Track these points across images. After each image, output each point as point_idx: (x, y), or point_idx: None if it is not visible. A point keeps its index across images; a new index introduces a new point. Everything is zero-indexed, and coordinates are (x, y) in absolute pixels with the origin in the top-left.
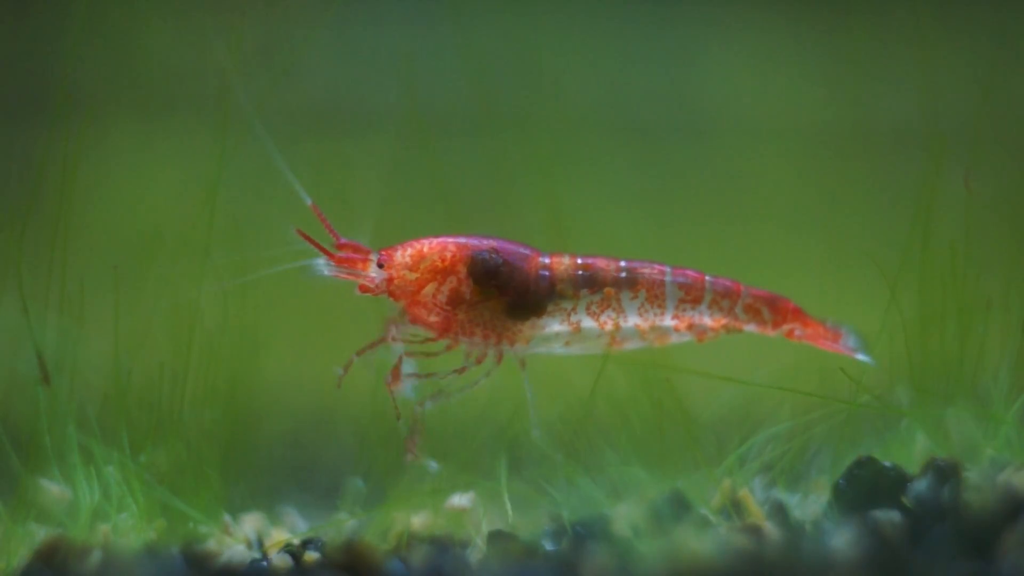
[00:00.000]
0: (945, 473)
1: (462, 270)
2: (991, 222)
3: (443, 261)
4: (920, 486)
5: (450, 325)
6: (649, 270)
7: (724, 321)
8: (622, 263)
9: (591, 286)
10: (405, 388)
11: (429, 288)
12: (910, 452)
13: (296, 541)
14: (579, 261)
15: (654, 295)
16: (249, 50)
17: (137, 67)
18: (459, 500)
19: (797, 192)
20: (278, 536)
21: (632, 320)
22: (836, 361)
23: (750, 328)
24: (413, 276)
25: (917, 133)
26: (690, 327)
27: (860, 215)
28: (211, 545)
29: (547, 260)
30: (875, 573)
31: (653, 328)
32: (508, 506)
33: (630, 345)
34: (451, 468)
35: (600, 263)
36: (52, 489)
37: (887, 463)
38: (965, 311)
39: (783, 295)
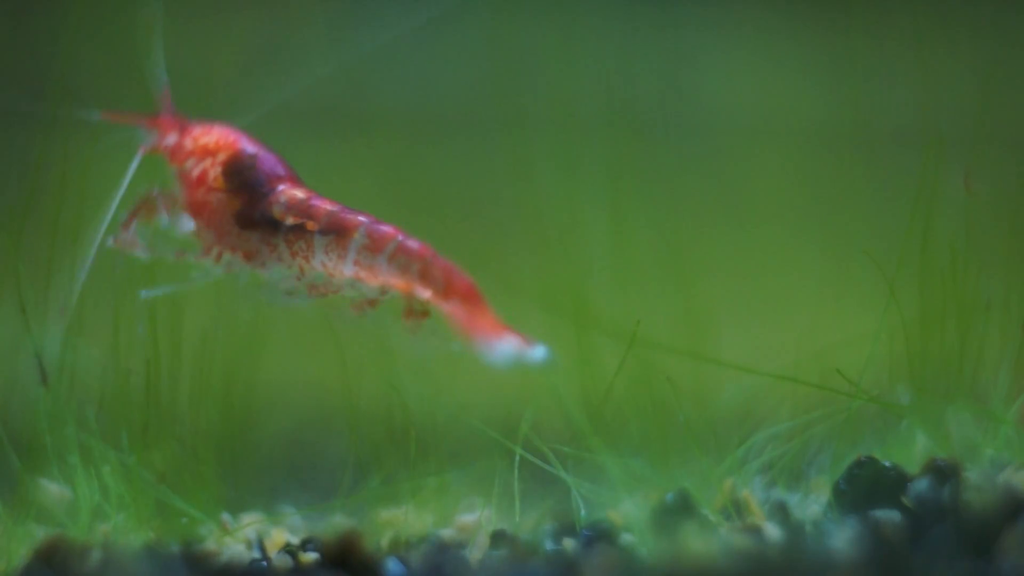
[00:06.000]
0: (945, 473)
1: (220, 157)
2: (991, 222)
3: (214, 144)
4: (920, 486)
5: (197, 207)
6: (351, 220)
7: (401, 282)
8: (333, 209)
9: (298, 218)
10: (135, 247)
11: (190, 162)
12: (910, 452)
13: (295, 541)
14: (305, 198)
15: (341, 242)
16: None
17: (137, 66)
18: (467, 518)
19: (796, 192)
20: (277, 536)
21: (319, 260)
22: (835, 361)
23: (421, 292)
24: (189, 146)
25: (917, 133)
26: (371, 276)
27: (860, 215)
28: (210, 545)
29: (284, 187)
30: (875, 573)
31: (335, 273)
32: (517, 506)
33: (323, 290)
34: (455, 469)
35: (319, 204)
36: (52, 489)
37: (887, 463)
38: (965, 311)
39: (469, 275)
